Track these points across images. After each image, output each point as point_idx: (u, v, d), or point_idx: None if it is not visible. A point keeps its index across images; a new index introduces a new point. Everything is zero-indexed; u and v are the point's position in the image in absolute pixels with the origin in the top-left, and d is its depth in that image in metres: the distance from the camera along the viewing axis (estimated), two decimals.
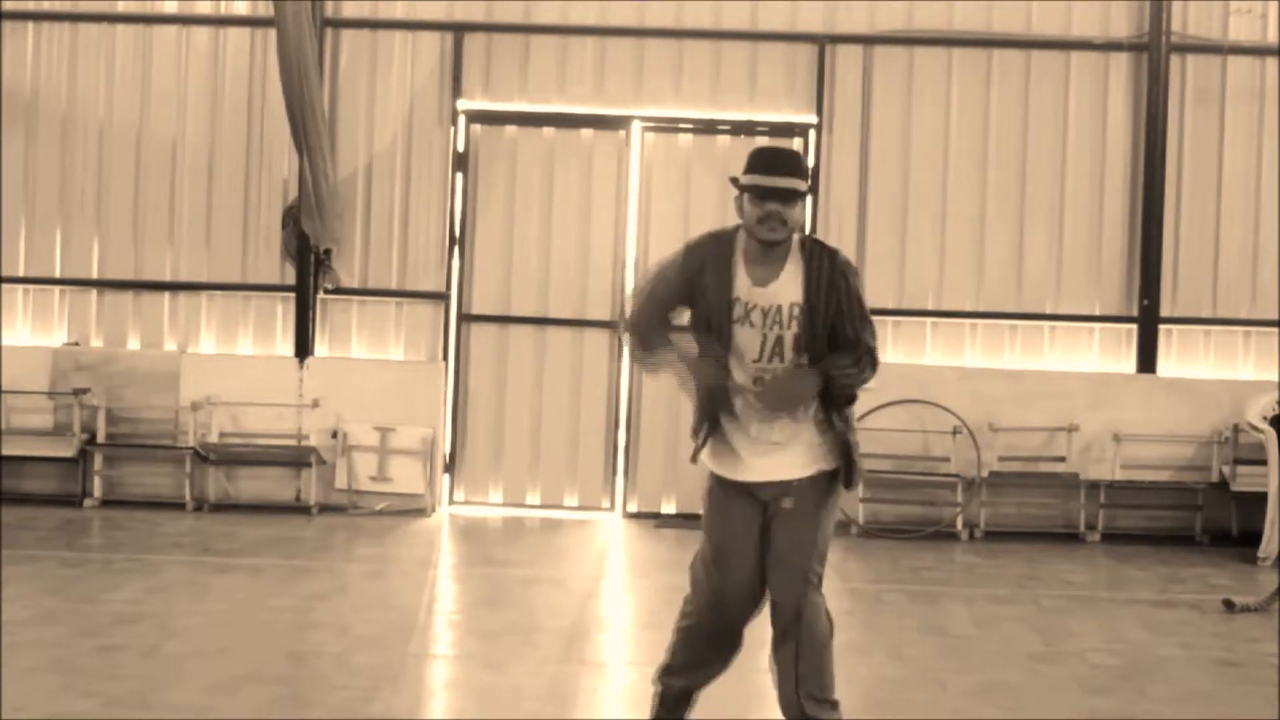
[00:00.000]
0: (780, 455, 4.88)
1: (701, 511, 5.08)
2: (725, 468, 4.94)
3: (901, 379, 10.80)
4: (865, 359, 4.83)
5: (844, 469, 4.94)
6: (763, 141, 10.79)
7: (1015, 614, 8.06)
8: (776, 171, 4.76)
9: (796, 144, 11.06)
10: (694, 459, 5.04)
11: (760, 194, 4.73)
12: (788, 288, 4.78)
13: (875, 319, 4.97)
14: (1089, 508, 10.66)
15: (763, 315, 4.77)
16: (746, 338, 4.79)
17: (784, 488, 4.88)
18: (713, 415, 4.91)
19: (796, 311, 4.77)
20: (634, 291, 5.09)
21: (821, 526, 4.94)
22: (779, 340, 4.78)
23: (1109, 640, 7.37)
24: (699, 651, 5.08)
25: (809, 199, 4.85)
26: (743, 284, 4.81)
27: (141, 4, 11.39)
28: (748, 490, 4.92)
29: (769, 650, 4.99)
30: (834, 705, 4.93)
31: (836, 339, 4.82)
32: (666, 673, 5.13)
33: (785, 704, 4.93)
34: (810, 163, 11.08)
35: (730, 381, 4.85)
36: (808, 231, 10.95)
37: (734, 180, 4.84)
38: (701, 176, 11.12)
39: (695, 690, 5.16)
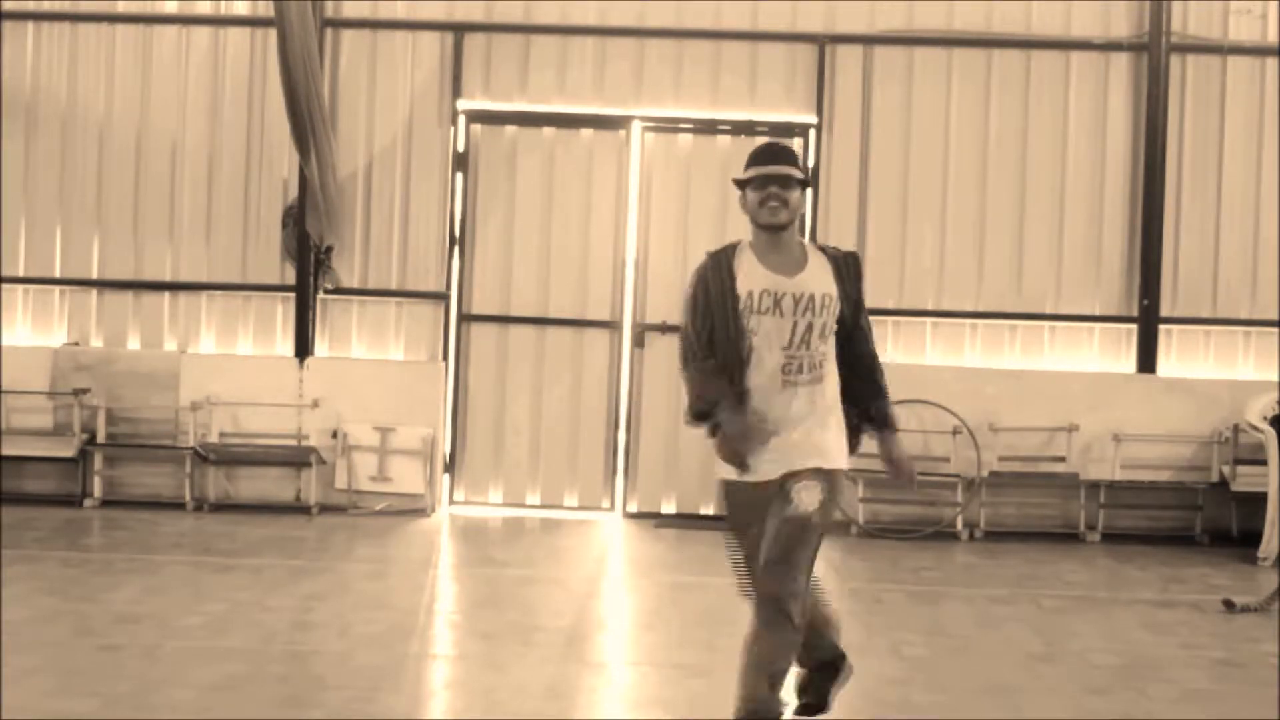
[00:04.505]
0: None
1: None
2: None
3: (901, 379, 10.75)
4: (880, 374, 5.33)
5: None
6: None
7: (1015, 614, 8.06)
8: (773, 161, 5.22)
9: (797, 143, 11.07)
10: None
11: (760, 182, 5.16)
12: (818, 278, 5.15)
13: (875, 319, 5.31)
14: (1089, 508, 10.66)
15: (794, 302, 5.09)
16: (775, 325, 5.09)
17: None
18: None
19: (829, 301, 5.13)
20: (687, 337, 5.24)
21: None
22: (809, 327, 5.09)
23: (1109, 640, 7.37)
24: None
25: (808, 194, 5.25)
26: (762, 276, 5.13)
27: (141, 4, 11.38)
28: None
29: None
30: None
31: (840, 339, 5.20)
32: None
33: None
34: (810, 163, 11.10)
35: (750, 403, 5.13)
36: (808, 229, 11.02)
37: (736, 181, 5.27)
38: (701, 176, 11.13)
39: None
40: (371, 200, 11.28)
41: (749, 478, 5.12)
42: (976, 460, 10.67)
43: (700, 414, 5.14)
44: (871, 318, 5.42)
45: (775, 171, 5.17)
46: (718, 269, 5.17)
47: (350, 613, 7.56)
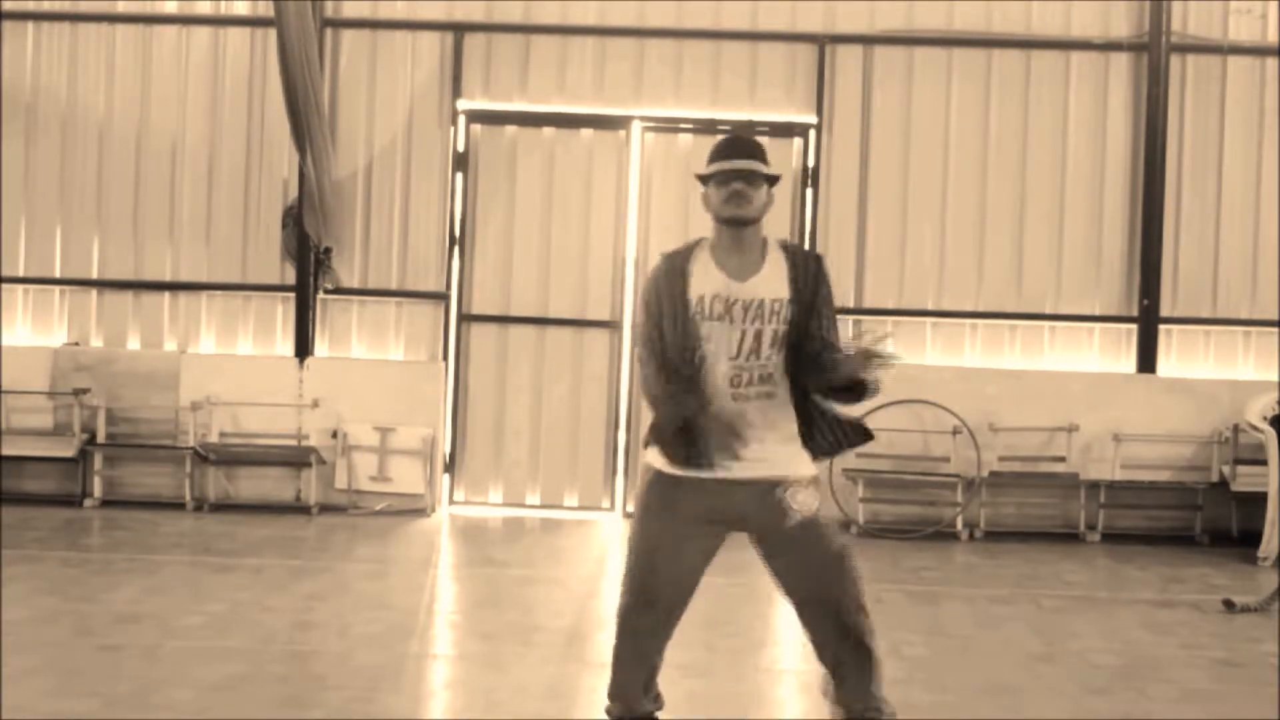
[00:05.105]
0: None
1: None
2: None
3: (901, 379, 10.77)
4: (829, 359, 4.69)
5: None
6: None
7: (1015, 614, 8.06)
8: (735, 154, 4.78)
9: (797, 143, 11.08)
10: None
11: (723, 178, 4.73)
12: (770, 283, 4.71)
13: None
14: (1089, 508, 10.66)
15: (744, 310, 4.67)
16: (725, 333, 4.67)
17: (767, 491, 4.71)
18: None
19: (779, 307, 4.68)
20: (639, 347, 4.86)
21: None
22: (758, 335, 4.68)
23: (1109, 640, 7.37)
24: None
25: (772, 187, 4.80)
26: (717, 280, 4.71)
27: (141, 4, 11.39)
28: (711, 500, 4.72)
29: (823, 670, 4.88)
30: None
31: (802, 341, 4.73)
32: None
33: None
34: (810, 163, 11.10)
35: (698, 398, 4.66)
36: (807, 230, 11.02)
37: (699, 176, 4.84)
38: None
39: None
40: (371, 200, 11.28)
41: (692, 472, 4.67)
42: (976, 460, 10.67)
43: (665, 419, 4.72)
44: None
45: (739, 166, 4.71)
46: (671, 273, 4.74)
47: (350, 613, 7.56)
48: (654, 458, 4.81)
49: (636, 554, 4.86)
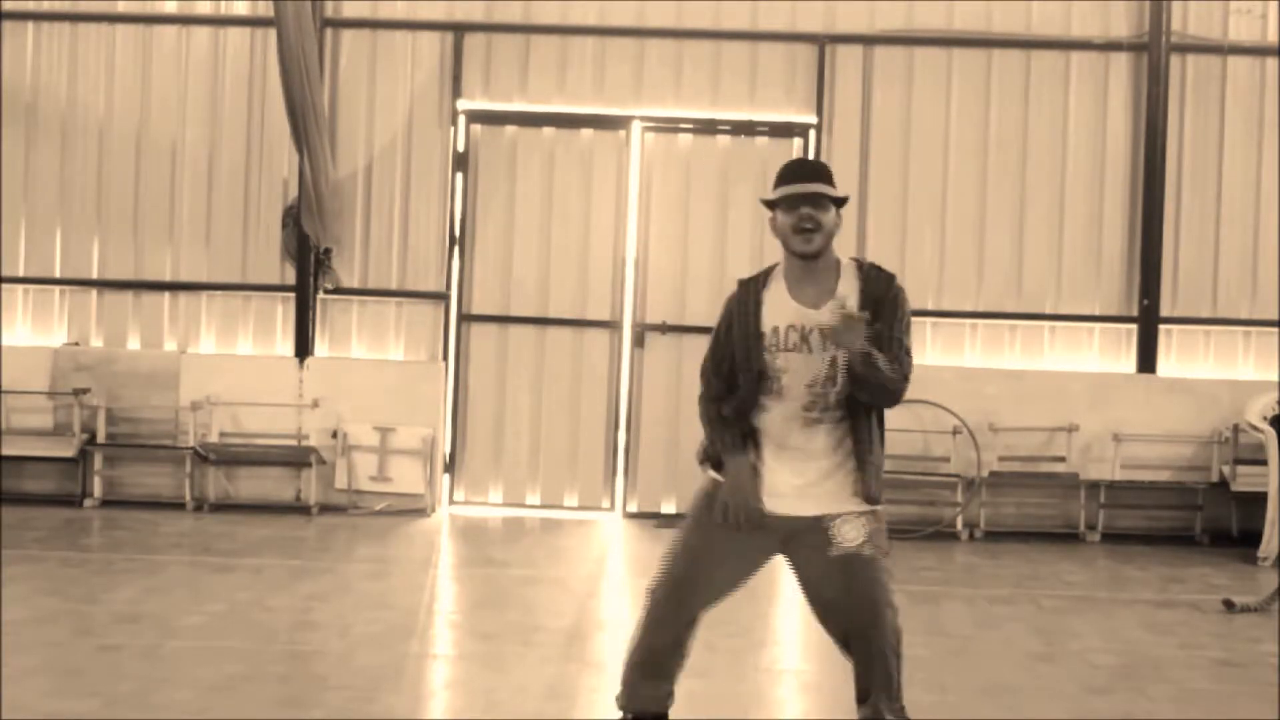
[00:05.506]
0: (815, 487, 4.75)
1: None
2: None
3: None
4: (900, 361, 4.68)
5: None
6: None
7: (1015, 614, 8.06)
8: (804, 178, 4.77)
9: (797, 143, 11.09)
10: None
11: (791, 202, 4.71)
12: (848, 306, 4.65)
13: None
14: (1089, 508, 10.67)
15: (821, 337, 4.64)
16: (804, 363, 4.68)
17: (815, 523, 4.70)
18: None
19: None
20: (705, 371, 4.93)
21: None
22: (833, 361, 4.65)
23: (1109, 640, 7.37)
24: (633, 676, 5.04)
25: (841, 209, 4.79)
26: (791, 310, 4.73)
27: (141, 4, 11.39)
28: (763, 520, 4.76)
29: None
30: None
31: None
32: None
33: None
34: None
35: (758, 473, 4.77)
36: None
37: (764, 201, 4.83)
38: (701, 176, 11.13)
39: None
40: (371, 200, 11.28)
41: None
42: (976, 460, 10.67)
43: (710, 461, 4.87)
44: None
45: (807, 190, 4.68)
46: (744, 303, 4.79)
47: (350, 613, 7.56)
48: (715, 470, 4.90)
49: (675, 553, 4.93)
